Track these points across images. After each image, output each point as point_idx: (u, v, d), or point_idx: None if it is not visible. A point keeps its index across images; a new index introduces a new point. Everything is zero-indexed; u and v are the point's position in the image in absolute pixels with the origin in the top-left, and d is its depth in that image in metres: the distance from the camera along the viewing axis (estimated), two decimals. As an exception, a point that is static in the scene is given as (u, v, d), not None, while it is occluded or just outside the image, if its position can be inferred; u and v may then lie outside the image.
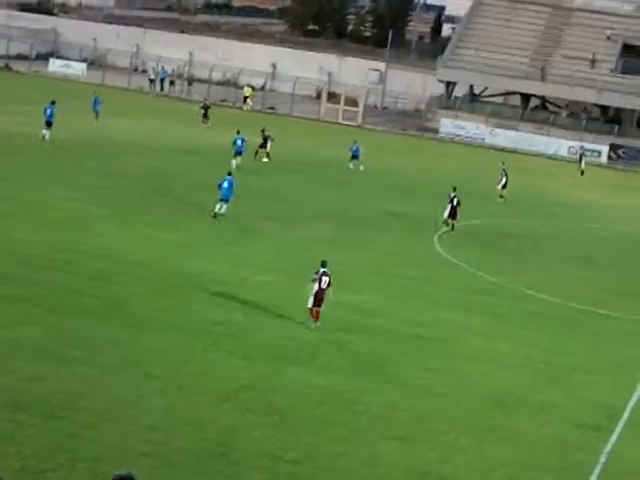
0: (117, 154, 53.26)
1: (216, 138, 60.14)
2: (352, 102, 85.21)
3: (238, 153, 53.86)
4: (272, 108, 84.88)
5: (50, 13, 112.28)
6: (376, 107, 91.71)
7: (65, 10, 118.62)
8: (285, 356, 26.41)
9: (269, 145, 57.37)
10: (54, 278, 30.35)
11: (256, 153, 56.48)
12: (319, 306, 28.65)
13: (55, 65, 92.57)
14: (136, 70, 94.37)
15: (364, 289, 33.94)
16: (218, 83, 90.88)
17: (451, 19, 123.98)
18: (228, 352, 26.07)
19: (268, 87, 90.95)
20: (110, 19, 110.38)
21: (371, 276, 36.10)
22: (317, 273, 28.63)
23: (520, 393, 26.17)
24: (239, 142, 54.15)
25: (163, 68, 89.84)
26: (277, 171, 54.42)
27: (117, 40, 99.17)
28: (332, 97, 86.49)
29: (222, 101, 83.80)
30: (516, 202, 55.90)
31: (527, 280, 38.28)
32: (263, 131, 57.91)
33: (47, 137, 53.90)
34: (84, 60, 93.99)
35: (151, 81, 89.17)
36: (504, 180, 55.39)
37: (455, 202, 45.38)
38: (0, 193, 40.75)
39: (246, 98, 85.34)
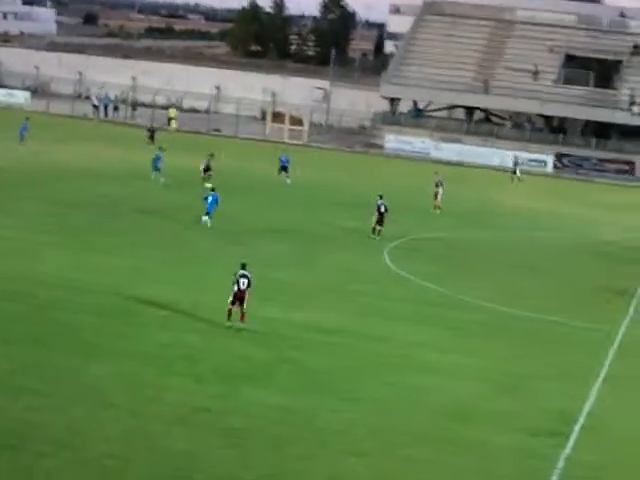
0: (62, 181, 52.88)
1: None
2: (297, 121, 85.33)
3: (156, 169, 55.21)
4: (217, 130, 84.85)
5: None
6: (321, 125, 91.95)
7: (6, 39, 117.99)
8: (240, 376, 26.25)
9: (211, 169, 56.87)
10: (2, 308, 29.95)
11: (203, 178, 55.83)
12: (241, 305, 29.64)
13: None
14: (80, 97, 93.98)
15: (317, 306, 33.92)
16: (163, 107, 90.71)
17: (393, 36, 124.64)
18: (182, 375, 25.87)
19: (213, 109, 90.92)
20: (52, 47, 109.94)
21: (323, 293, 36.08)
22: (235, 275, 29.74)
23: (475, 403, 26.23)
24: (155, 158, 55.66)
25: (106, 94, 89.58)
26: (223, 191, 54.10)
27: (60, 67, 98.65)
28: (277, 117, 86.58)
29: (168, 124, 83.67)
30: (462, 214, 56.29)
31: (477, 291, 38.49)
32: (210, 157, 57.51)
33: None
34: (27, 88, 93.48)
35: (95, 107, 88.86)
36: (440, 191, 55.53)
37: (383, 209, 45.79)
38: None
39: (170, 119, 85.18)
